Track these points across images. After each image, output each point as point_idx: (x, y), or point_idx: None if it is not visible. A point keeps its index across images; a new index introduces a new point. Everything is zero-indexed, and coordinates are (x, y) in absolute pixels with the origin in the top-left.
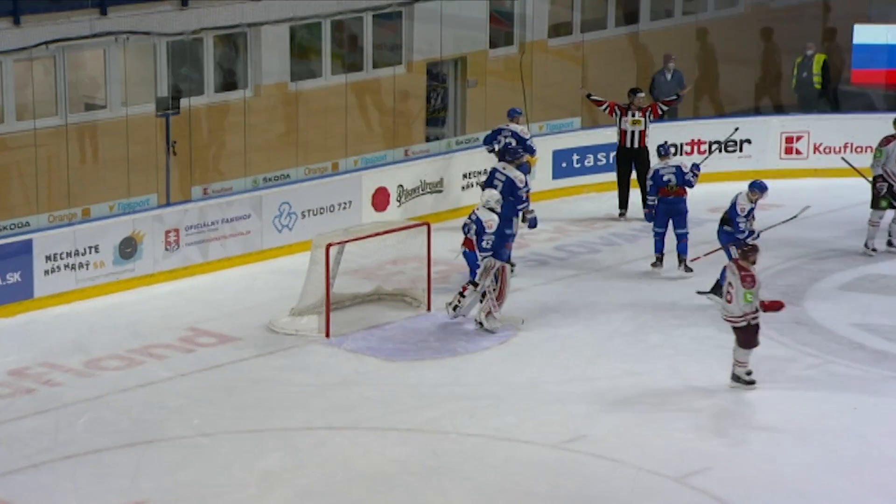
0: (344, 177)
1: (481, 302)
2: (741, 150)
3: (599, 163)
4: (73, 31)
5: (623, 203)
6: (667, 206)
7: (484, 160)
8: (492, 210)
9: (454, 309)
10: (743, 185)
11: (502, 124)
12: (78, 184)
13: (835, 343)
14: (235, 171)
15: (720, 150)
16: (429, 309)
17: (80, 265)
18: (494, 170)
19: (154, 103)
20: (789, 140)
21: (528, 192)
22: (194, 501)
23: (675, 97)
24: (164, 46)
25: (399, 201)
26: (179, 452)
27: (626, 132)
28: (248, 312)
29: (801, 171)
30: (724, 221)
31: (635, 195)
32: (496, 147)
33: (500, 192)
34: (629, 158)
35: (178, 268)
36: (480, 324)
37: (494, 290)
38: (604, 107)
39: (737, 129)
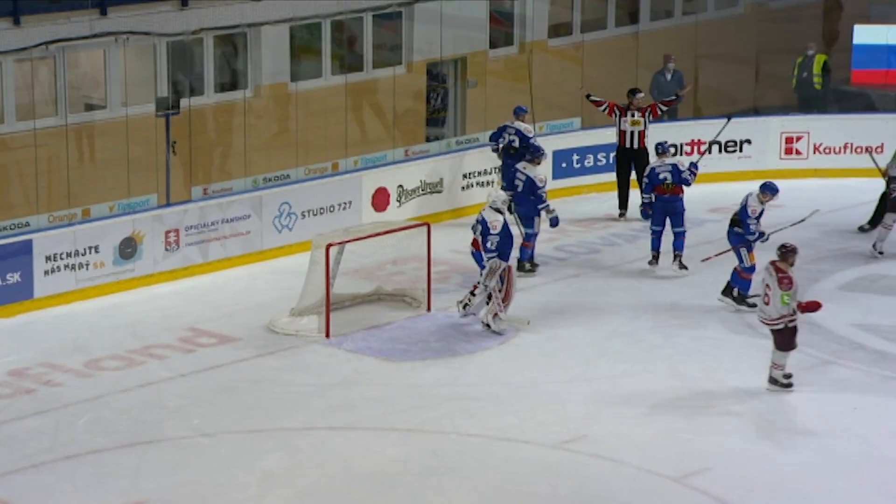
0: (344, 177)
1: (488, 303)
2: (741, 150)
3: (599, 163)
4: (73, 32)
5: (623, 203)
6: (663, 205)
7: (484, 160)
8: (498, 210)
9: (464, 307)
10: (743, 185)
11: (507, 122)
12: (78, 184)
13: (835, 343)
14: (235, 172)
15: (717, 147)
16: (429, 309)
17: (80, 265)
18: (515, 168)
19: (154, 103)
20: (789, 140)
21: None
22: (194, 501)
23: (674, 97)
24: (164, 46)
25: (399, 201)
26: (179, 452)
27: (625, 132)
28: (248, 313)
29: (801, 171)
30: (733, 223)
31: (635, 195)
32: (500, 145)
33: (521, 192)
34: (629, 159)
35: (178, 268)
36: (488, 325)
37: (500, 291)
38: (603, 107)
39: (729, 120)
